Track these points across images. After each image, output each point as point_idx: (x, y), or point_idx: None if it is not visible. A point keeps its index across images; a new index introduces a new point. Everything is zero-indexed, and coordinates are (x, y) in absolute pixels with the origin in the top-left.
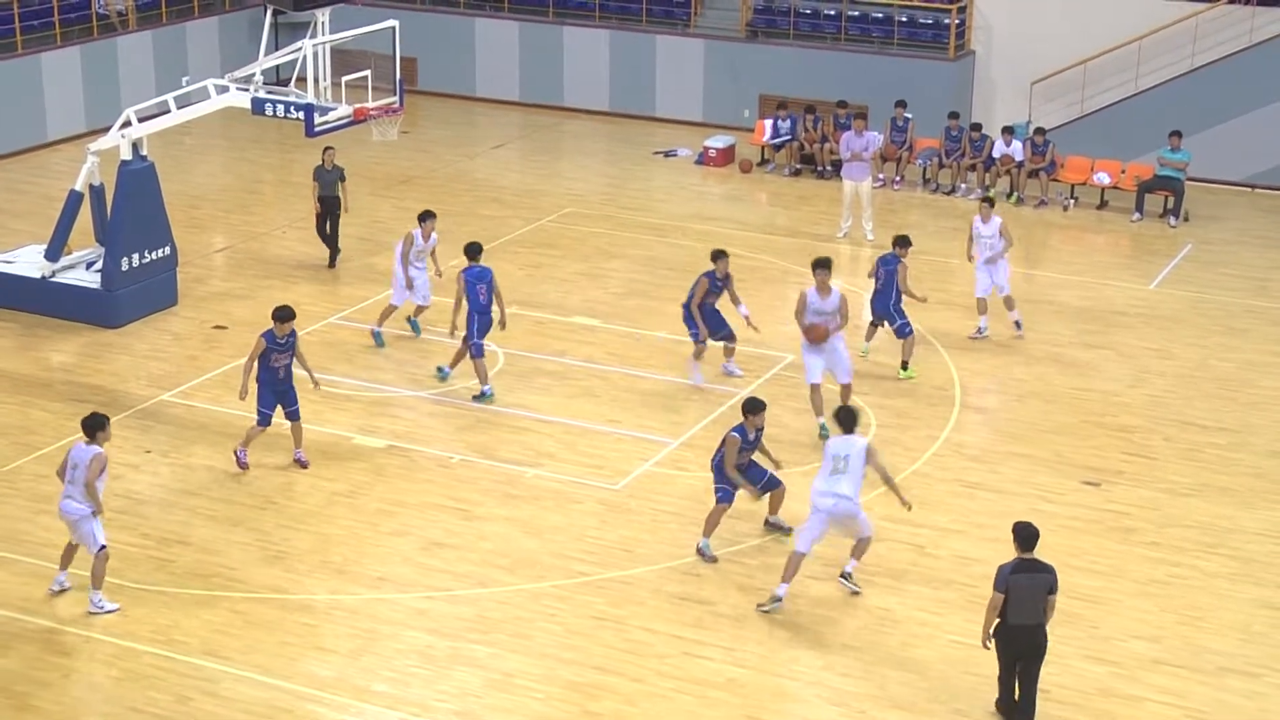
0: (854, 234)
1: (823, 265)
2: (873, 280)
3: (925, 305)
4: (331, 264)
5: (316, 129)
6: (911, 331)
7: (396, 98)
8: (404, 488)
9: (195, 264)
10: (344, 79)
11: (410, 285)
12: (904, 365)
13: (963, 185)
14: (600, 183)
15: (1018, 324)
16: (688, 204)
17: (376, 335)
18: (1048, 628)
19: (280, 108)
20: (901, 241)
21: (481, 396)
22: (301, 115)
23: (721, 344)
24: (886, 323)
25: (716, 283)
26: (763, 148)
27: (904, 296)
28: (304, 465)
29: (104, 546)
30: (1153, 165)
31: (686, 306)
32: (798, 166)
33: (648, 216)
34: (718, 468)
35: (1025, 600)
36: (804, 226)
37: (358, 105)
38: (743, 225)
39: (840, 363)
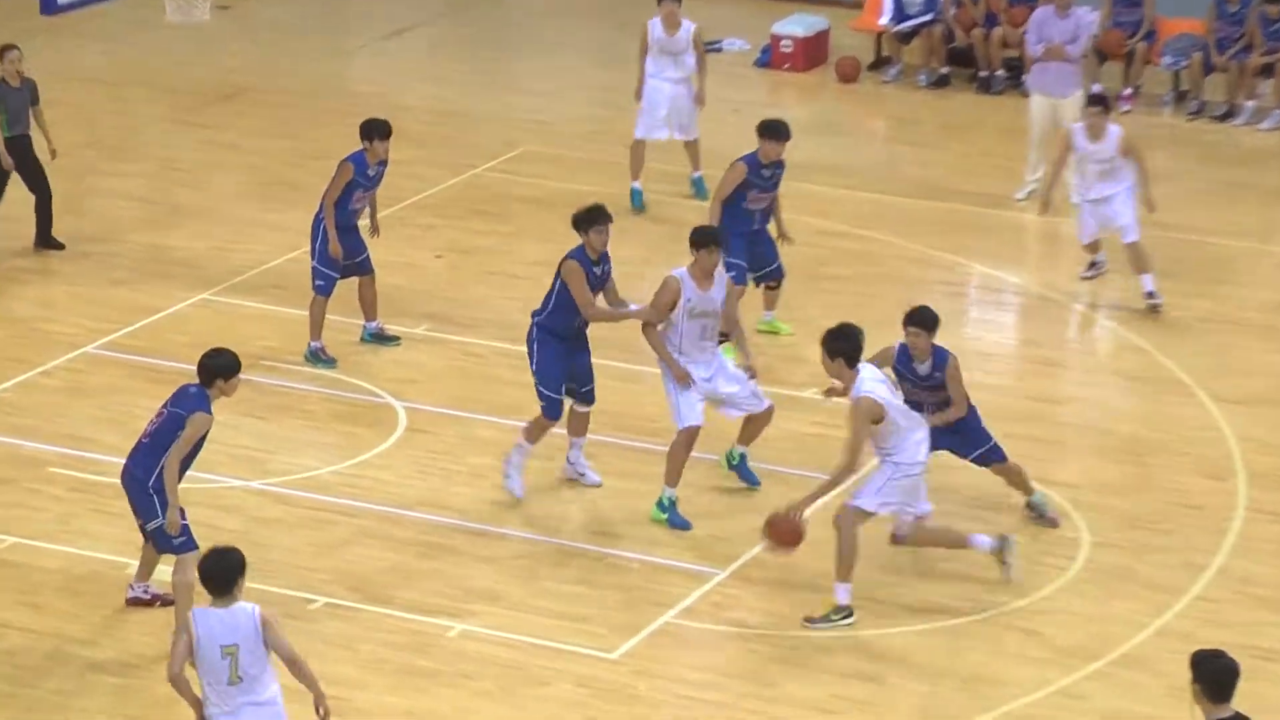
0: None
1: (920, 321)
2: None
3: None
4: (41, 245)
5: (61, 1)
6: None
7: None
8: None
9: None
10: None
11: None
12: None
13: (1249, 104)
14: (582, 100)
15: (1151, 295)
16: (743, 137)
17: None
18: None
19: None
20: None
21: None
22: None
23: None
24: None
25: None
26: (879, 36)
27: None
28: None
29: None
30: None
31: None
32: (943, 71)
33: (668, 161)
34: None
35: None
36: (953, 180)
37: None
38: (841, 176)
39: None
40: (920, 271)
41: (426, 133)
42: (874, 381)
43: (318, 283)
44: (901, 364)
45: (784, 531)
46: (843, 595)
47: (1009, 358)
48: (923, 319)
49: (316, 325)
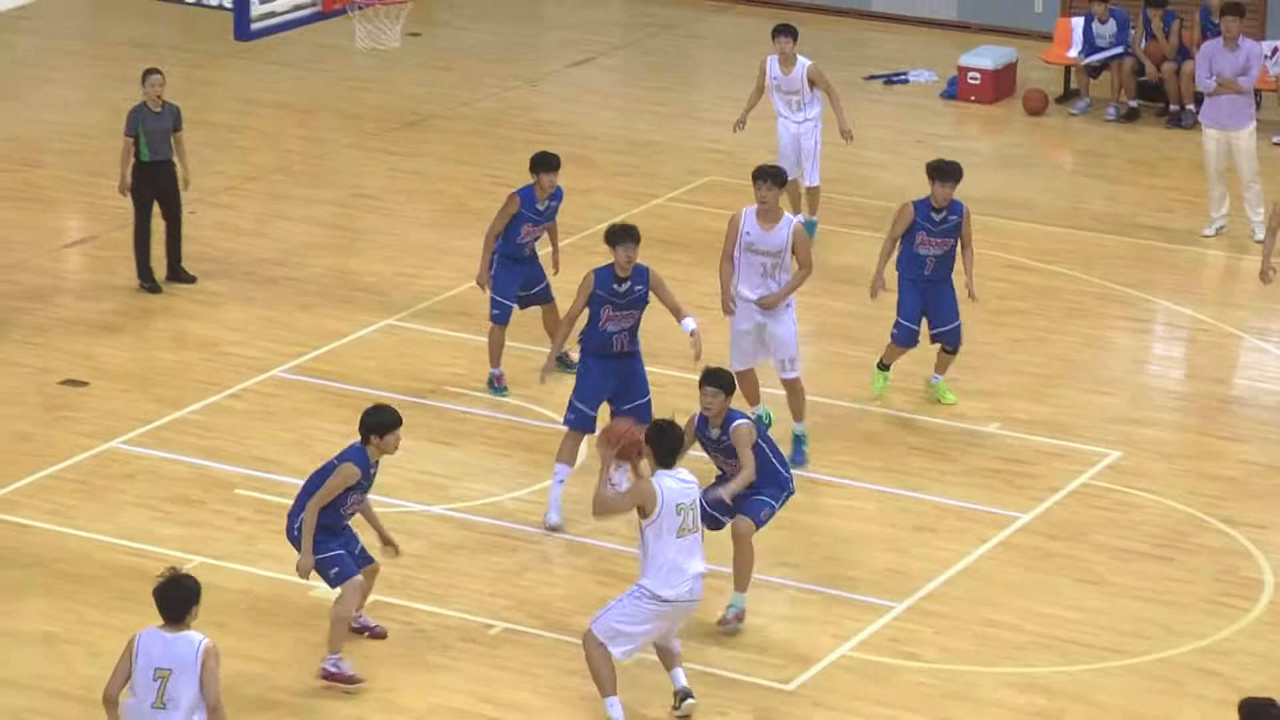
0: (1234, 224)
1: (718, 382)
2: None
3: None
4: (161, 281)
5: (254, 27)
6: None
7: None
8: (402, 679)
9: (30, 268)
10: None
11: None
12: None
13: None
14: (764, 130)
15: None
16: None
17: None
18: None
19: None
20: None
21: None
22: (228, 0)
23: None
24: None
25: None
26: (1068, 69)
27: None
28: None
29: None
30: None
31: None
32: (1132, 105)
33: (855, 192)
34: None
35: None
36: (1140, 215)
37: None
38: (1026, 210)
39: None
40: (1103, 307)
41: (610, 162)
42: (669, 477)
43: (494, 312)
44: (700, 429)
45: (618, 435)
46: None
47: (1191, 395)
48: (721, 380)
49: (495, 353)
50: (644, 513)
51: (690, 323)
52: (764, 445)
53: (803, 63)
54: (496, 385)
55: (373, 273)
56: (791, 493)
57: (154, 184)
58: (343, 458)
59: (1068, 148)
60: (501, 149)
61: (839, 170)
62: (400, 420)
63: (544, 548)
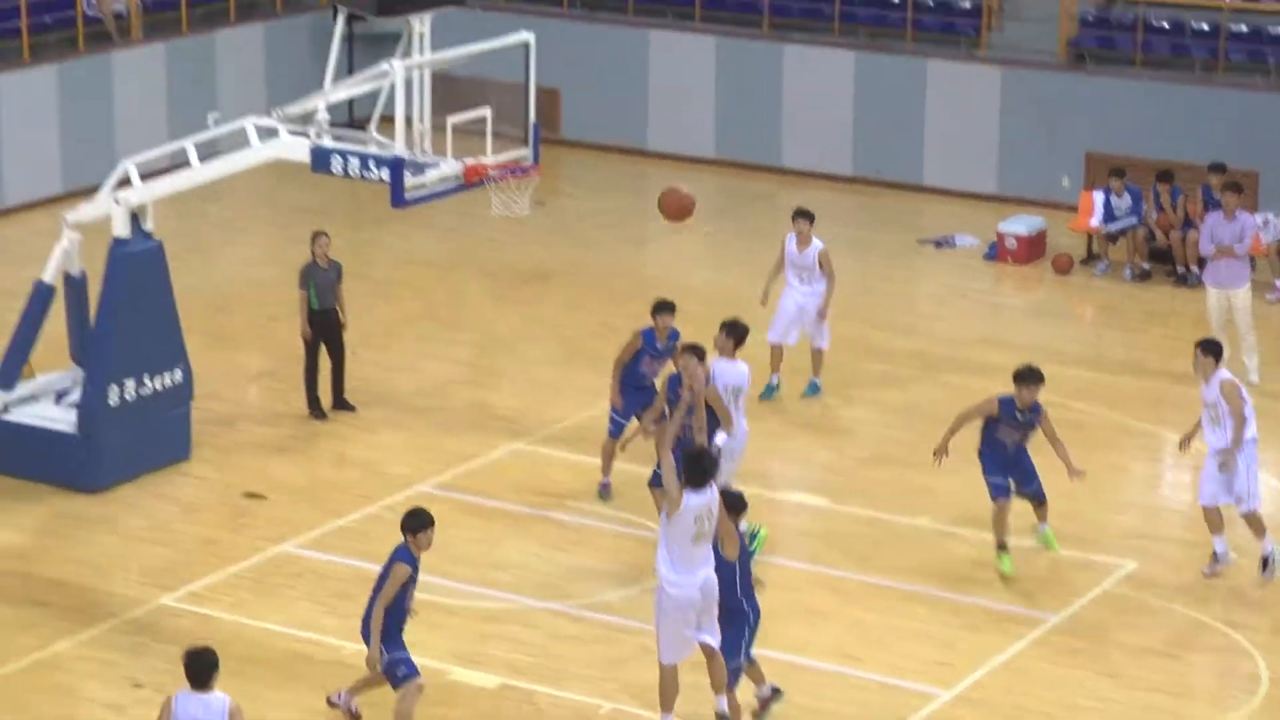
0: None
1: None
2: None
3: None
4: (327, 409)
5: (408, 196)
6: None
7: (529, 150)
8: None
9: (221, 397)
10: (451, 120)
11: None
12: None
13: None
14: (838, 286)
15: (1266, 562)
16: (972, 321)
17: (601, 489)
18: None
19: (354, 163)
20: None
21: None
22: (386, 175)
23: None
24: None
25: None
26: (1090, 236)
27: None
28: None
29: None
30: None
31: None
32: (1145, 267)
33: (909, 339)
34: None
35: None
36: (1154, 361)
37: (471, 161)
38: (1058, 356)
39: None
40: (1122, 439)
41: (705, 313)
42: (694, 495)
43: (610, 426)
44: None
45: (674, 204)
46: None
47: (1197, 514)
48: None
49: (606, 463)
50: (668, 511)
51: (720, 437)
52: (740, 569)
53: (816, 245)
54: (604, 493)
55: (505, 404)
56: (753, 628)
57: (322, 328)
58: (394, 559)
59: (1091, 303)
60: (613, 300)
61: (897, 321)
62: (432, 520)
63: (645, 640)
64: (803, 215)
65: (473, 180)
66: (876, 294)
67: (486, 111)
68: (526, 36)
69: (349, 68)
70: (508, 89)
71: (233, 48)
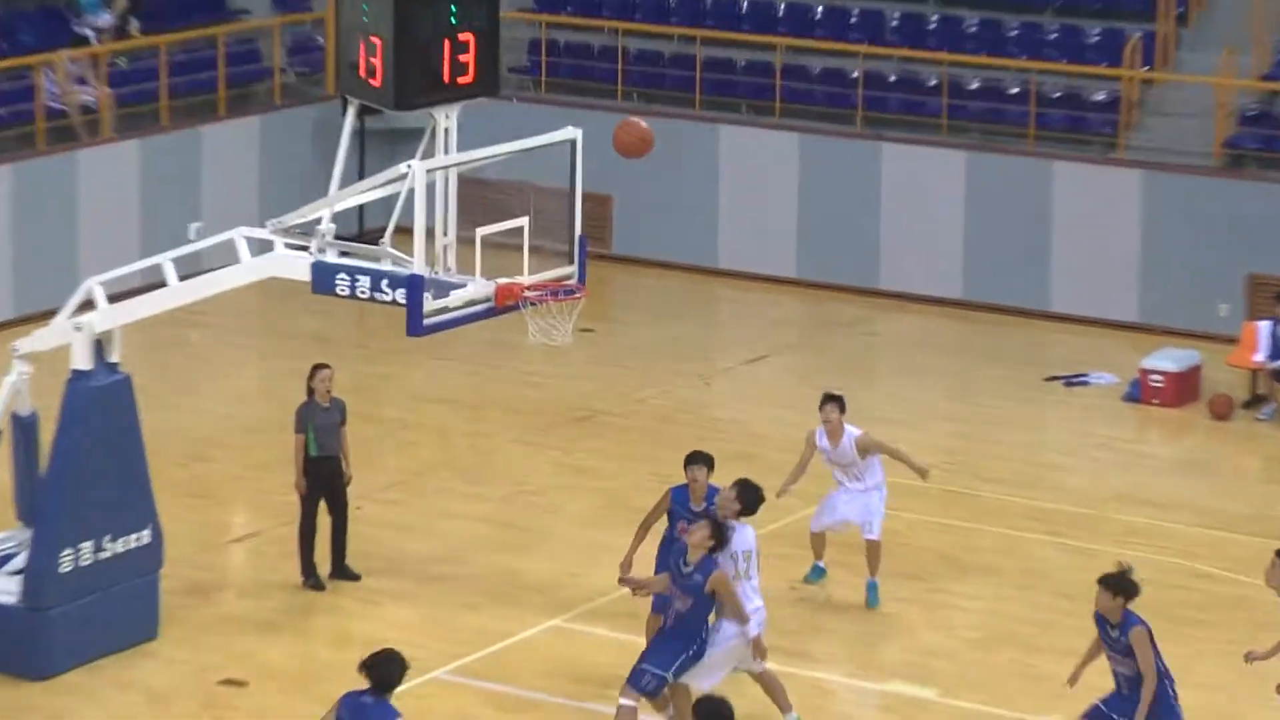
0: None
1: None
2: None
3: None
4: (325, 578)
5: (428, 322)
6: None
7: (574, 267)
8: None
9: (195, 564)
10: (481, 232)
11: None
12: None
13: None
14: (943, 432)
15: None
16: (1110, 474)
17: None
18: None
19: (364, 282)
20: None
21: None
22: (402, 296)
23: None
24: None
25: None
26: (1253, 373)
27: None
28: None
29: None
30: None
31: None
32: None
33: (1033, 496)
34: None
35: None
36: None
37: (504, 280)
38: (1213, 517)
39: None
40: None
41: (782, 461)
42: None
43: (656, 601)
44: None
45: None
46: None
47: None
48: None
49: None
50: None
51: (753, 628)
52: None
53: (850, 433)
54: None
55: (537, 570)
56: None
57: (321, 479)
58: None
59: (1256, 454)
60: (671, 445)
61: (1017, 473)
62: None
63: None
64: (832, 401)
65: (506, 303)
66: (991, 442)
67: (524, 221)
68: (573, 133)
69: (360, 170)
70: (549, 195)
71: (220, 145)
